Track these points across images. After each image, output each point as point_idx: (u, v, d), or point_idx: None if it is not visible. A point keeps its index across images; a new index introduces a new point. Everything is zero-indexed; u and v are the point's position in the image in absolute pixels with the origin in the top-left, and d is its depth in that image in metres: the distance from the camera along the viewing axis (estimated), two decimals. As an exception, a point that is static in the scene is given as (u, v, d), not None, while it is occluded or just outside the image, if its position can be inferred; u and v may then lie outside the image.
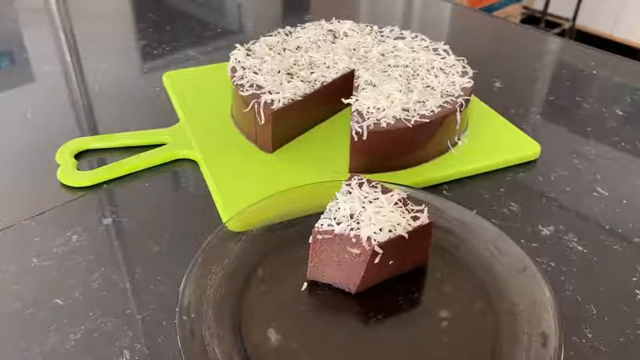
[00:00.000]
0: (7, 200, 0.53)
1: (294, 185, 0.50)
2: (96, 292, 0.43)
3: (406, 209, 0.42)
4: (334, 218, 0.41)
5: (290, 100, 0.55)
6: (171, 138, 0.59)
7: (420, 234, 0.42)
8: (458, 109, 0.55)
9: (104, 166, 0.55)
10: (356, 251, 0.40)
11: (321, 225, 0.41)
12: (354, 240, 0.40)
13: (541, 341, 0.37)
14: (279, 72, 0.59)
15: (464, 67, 0.61)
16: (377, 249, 0.39)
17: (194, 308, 0.39)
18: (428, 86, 0.58)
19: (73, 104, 0.70)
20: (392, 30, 0.69)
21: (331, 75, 0.60)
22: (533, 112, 0.70)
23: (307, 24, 0.70)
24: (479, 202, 0.53)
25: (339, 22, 0.71)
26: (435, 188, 0.54)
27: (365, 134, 0.51)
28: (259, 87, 0.57)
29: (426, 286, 0.44)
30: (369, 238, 0.40)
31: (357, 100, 0.55)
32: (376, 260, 0.40)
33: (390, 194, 0.43)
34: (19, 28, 0.93)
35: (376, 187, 0.44)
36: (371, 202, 0.42)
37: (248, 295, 0.42)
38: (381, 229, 0.40)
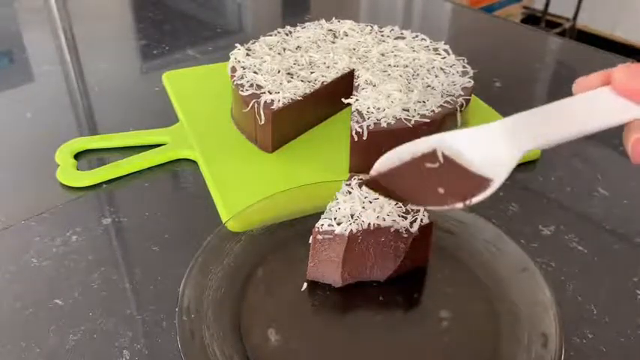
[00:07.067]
0: (7, 200, 0.53)
1: (294, 185, 0.50)
2: (96, 292, 0.43)
3: (406, 209, 0.42)
4: (334, 218, 0.41)
5: (290, 100, 0.55)
6: (171, 138, 0.59)
7: (420, 234, 0.42)
8: (458, 109, 0.55)
9: (104, 166, 0.55)
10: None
11: (322, 225, 0.41)
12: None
13: (541, 341, 0.37)
14: (279, 72, 0.59)
15: (464, 66, 0.61)
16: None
17: (194, 308, 0.39)
18: (428, 86, 0.58)
19: (72, 104, 0.70)
20: (392, 30, 0.69)
21: (331, 75, 0.60)
22: (534, 112, 0.70)
23: (307, 24, 0.70)
24: (479, 203, 0.53)
25: (339, 21, 0.71)
26: (435, 188, 0.54)
27: (365, 134, 0.51)
28: (259, 87, 0.57)
29: (426, 286, 0.44)
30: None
31: (357, 100, 0.55)
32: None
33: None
34: (19, 28, 0.93)
35: (376, 187, 0.44)
36: (371, 202, 0.42)
37: (248, 295, 0.42)
38: None
